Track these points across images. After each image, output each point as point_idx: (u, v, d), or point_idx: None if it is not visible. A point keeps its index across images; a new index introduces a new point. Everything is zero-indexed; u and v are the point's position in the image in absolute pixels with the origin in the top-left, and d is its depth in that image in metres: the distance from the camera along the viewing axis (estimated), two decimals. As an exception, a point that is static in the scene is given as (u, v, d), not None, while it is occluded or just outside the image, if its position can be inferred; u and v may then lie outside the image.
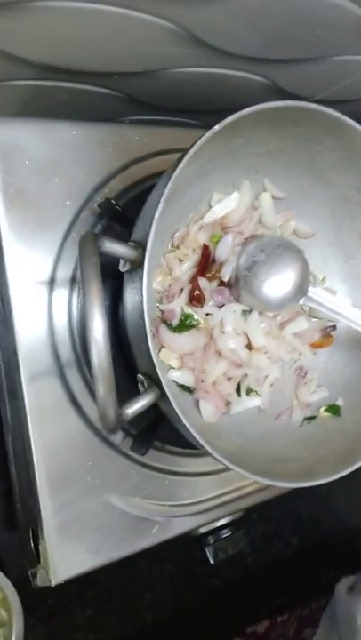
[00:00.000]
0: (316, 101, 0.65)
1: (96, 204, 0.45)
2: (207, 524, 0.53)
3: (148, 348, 0.33)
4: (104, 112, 0.59)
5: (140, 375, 0.36)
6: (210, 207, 0.47)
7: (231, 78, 0.55)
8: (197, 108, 0.62)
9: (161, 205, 0.32)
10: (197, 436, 0.34)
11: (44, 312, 0.47)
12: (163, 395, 0.33)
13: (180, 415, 0.33)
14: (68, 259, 0.47)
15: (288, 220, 0.51)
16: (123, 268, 0.35)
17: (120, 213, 0.45)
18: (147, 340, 0.33)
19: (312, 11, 0.43)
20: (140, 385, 0.36)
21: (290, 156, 0.47)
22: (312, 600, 0.80)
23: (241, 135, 0.43)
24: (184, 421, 0.33)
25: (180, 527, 0.51)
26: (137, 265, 0.33)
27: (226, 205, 0.47)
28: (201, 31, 0.45)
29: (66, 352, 0.47)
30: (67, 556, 0.45)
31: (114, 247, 0.32)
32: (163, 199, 0.32)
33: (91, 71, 0.50)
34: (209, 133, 0.38)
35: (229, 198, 0.47)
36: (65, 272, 0.47)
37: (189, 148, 0.36)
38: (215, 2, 0.40)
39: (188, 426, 0.33)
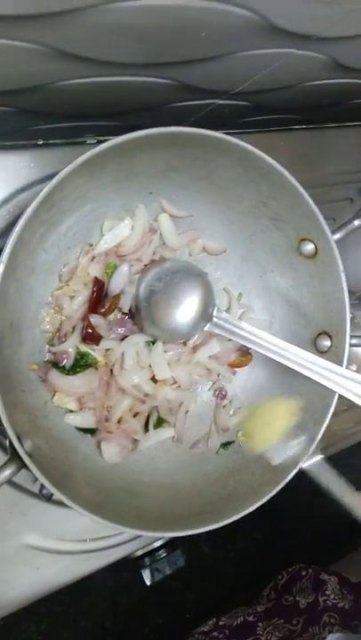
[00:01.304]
0: (237, 94, 0.61)
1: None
2: (133, 553, 0.52)
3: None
4: (1, 126, 0.56)
5: (7, 440, 0.34)
6: (102, 236, 0.44)
7: (131, 84, 0.51)
8: (105, 112, 0.58)
9: (1, 269, 0.30)
10: (80, 509, 0.32)
11: None
12: (25, 466, 0.32)
13: (50, 487, 0.32)
14: None
15: (194, 239, 0.48)
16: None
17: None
18: None
19: (187, 17, 0.40)
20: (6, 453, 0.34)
21: (183, 175, 0.44)
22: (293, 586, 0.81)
23: (117, 162, 0.40)
24: (59, 494, 0.32)
25: (103, 560, 0.50)
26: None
27: (118, 233, 0.44)
28: (71, 47, 0.41)
29: None
30: (-20, 603, 0.45)
31: None
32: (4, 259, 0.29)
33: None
34: (67, 170, 0.35)
35: (122, 225, 0.44)
36: None
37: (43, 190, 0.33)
38: (73, 20, 0.36)
39: (64, 498, 0.32)
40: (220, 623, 0.72)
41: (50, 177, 0.47)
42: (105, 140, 0.68)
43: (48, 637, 0.65)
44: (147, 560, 0.56)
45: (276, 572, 0.78)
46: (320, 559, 0.77)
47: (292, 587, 0.74)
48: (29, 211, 0.32)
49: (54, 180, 0.33)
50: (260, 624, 0.66)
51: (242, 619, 0.70)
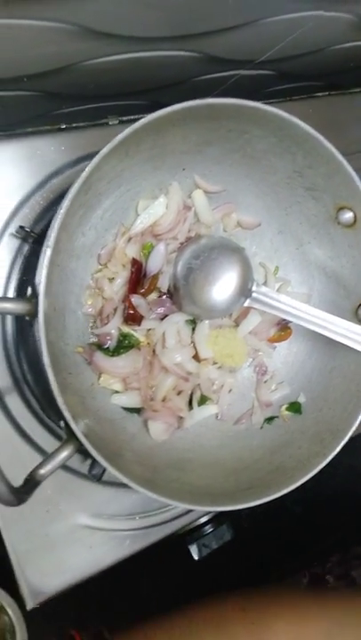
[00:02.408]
0: (261, 62, 0.60)
1: (14, 232, 0.43)
2: (182, 529, 0.53)
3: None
4: (26, 112, 0.55)
5: (62, 422, 0.35)
6: (137, 216, 0.44)
7: (156, 58, 0.51)
8: (129, 90, 0.57)
9: (49, 254, 0.30)
10: (134, 485, 0.33)
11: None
12: (83, 445, 0.32)
13: (106, 465, 0.32)
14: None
15: (228, 214, 0.48)
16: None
17: (39, 238, 0.42)
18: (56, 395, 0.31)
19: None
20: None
21: (217, 148, 0.43)
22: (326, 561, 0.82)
23: (152, 139, 0.39)
24: (114, 472, 0.32)
25: (152, 536, 0.51)
26: (33, 315, 0.31)
27: (153, 212, 0.44)
28: (96, 24, 0.40)
29: (3, 378, 0.45)
30: (37, 581, 0.46)
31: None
32: (49, 247, 0.29)
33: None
34: (106, 149, 0.34)
35: (156, 203, 0.44)
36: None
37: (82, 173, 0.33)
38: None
39: (119, 475, 0.32)
40: None
41: (81, 160, 0.48)
42: (128, 120, 0.68)
43: (100, 609, 0.68)
44: (194, 536, 0.57)
45: (316, 545, 0.78)
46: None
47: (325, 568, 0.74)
48: (72, 192, 0.32)
49: (95, 159, 0.32)
50: None
51: None
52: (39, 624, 0.59)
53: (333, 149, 0.41)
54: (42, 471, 0.31)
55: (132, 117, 0.66)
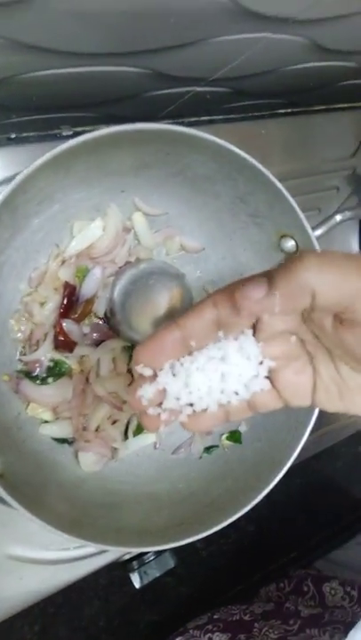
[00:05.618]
0: (216, 80, 0.59)
1: None
2: (121, 557, 0.51)
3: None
4: None
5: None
6: (73, 238, 0.42)
7: (101, 74, 0.49)
8: (78, 103, 0.56)
9: None
10: (53, 528, 0.31)
11: None
12: None
13: (19, 508, 0.31)
14: None
15: (171, 237, 0.46)
16: None
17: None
18: None
19: (152, 3, 0.37)
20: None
21: (155, 171, 0.42)
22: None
23: (83, 161, 0.38)
24: (28, 514, 0.30)
25: (88, 566, 0.49)
26: None
27: (89, 234, 0.42)
28: (28, 37, 0.38)
29: None
30: None
31: None
32: None
33: None
34: (23, 174, 0.33)
35: (92, 225, 0.42)
36: None
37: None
38: (28, 7, 0.34)
39: (37, 520, 0.31)
40: (215, 617, 0.71)
41: (14, 177, 0.46)
42: (81, 132, 0.66)
43: (43, 637, 0.66)
44: (135, 564, 0.56)
45: (272, 562, 0.77)
46: (315, 548, 0.77)
47: (297, 597, 0.73)
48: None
49: (12, 185, 0.31)
50: (256, 624, 0.66)
51: (237, 617, 0.69)
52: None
53: (272, 177, 0.40)
54: None
55: (86, 128, 0.65)
